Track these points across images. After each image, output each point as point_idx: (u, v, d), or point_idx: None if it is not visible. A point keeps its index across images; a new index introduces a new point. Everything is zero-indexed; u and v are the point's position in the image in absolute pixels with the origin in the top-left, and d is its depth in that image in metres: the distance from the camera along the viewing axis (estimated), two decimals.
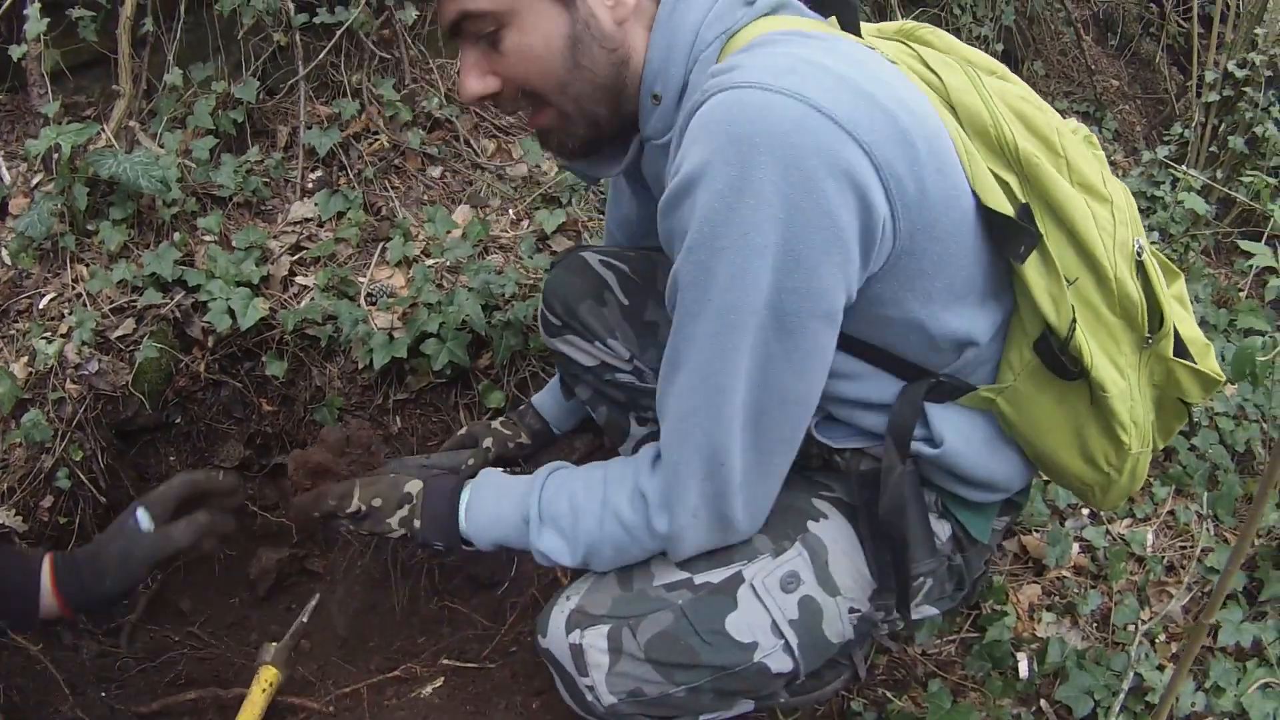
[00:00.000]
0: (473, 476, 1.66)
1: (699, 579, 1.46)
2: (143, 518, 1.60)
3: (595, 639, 1.45)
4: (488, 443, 2.09)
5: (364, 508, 1.61)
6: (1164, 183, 3.53)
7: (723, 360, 1.27)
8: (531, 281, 2.47)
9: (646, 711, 1.47)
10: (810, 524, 1.52)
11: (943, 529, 1.57)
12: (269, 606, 2.34)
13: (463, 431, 2.15)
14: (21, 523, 2.11)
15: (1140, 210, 3.42)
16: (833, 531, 1.53)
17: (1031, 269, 1.32)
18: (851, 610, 1.53)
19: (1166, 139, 3.87)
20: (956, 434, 1.46)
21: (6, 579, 1.54)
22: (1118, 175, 3.86)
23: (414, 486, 1.61)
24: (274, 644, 1.97)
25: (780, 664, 1.47)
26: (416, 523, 1.59)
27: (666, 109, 1.37)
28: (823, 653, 1.52)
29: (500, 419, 2.13)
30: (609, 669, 1.44)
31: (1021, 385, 1.42)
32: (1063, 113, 4.12)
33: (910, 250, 1.28)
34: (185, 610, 2.31)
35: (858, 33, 1.39)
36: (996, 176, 1.31)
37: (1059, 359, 1.35)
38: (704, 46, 1.33)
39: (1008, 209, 1.30)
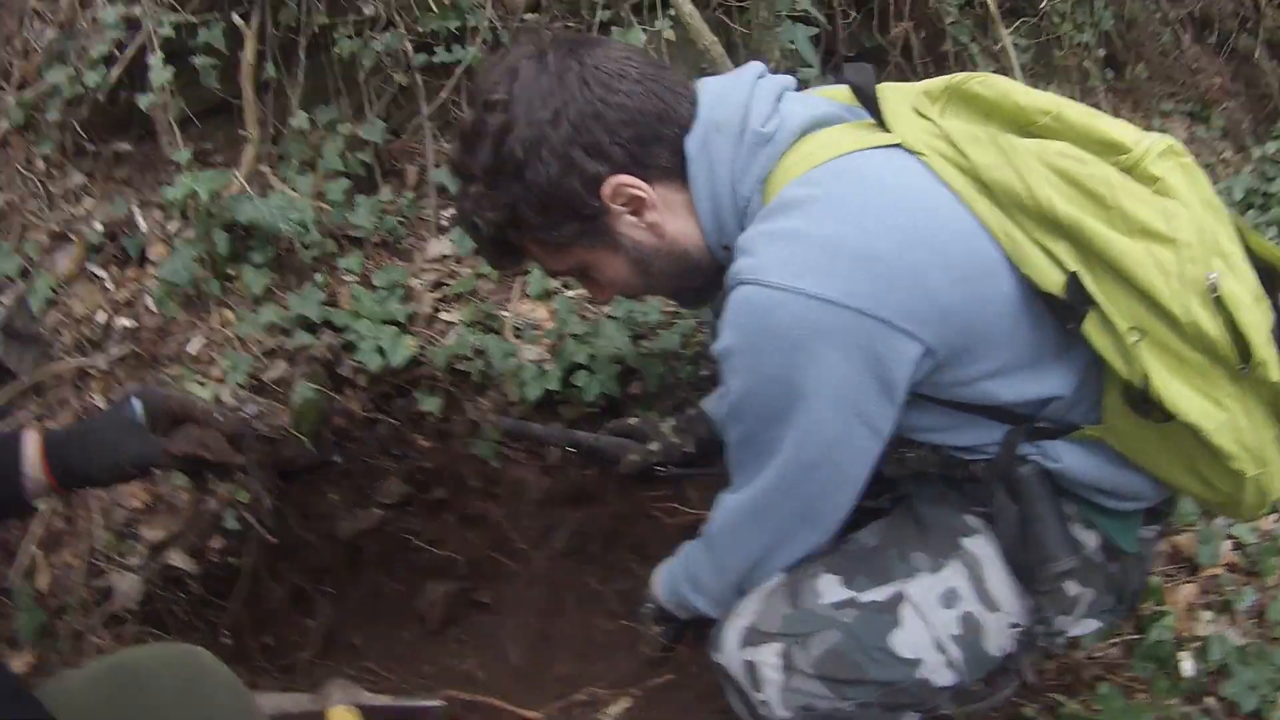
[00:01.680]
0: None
1: (864, 598, 1.55)
2: (136, 406, 1.62)
3: (768, 656, 1.55)
4: (654, 445, 2.14)
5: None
6: (1276, 177, 3.49)
7: (768, 494, 1.54)
8: (674, 308, 2.51)
9: None
10: (964, 540, 1.60)
11: (1090, 538, 1.61)
12: (440, 639, 2.44)
13: (634, 421, 2.18)
14: (194, 565, 2.19)
15: (1255, 206, 3.41)
16: (986, 546, 1.60)
17: (1093, 332, 1.37)
18: (1012, 625, 1.60)
19: (1274, 134, 3.82)
20: (1074, 458, 1.53)
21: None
22: (1229, 174, 3.86)
23: None
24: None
25: (943, 678, 1.56)
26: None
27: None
28: (985, 665, 1.60)
29: (672, 422, 2.18)
30: (782, 685, 1.54)
31: (1121, 425, 1.47)
32: (1168, 115, 4.12)
33: (955, 354, 1.41)
34: (358, 645, 2.39)
35: (875, 108, 1.46)
36: (1043, 246, 1.36)
37: (1145, 407, 1.39)
38: (745, 201, 1.50)
39: (1056, 282, 1.35)
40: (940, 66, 3.48)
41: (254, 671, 2.25)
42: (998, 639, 1.59)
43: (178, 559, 2.18)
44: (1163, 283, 1.32)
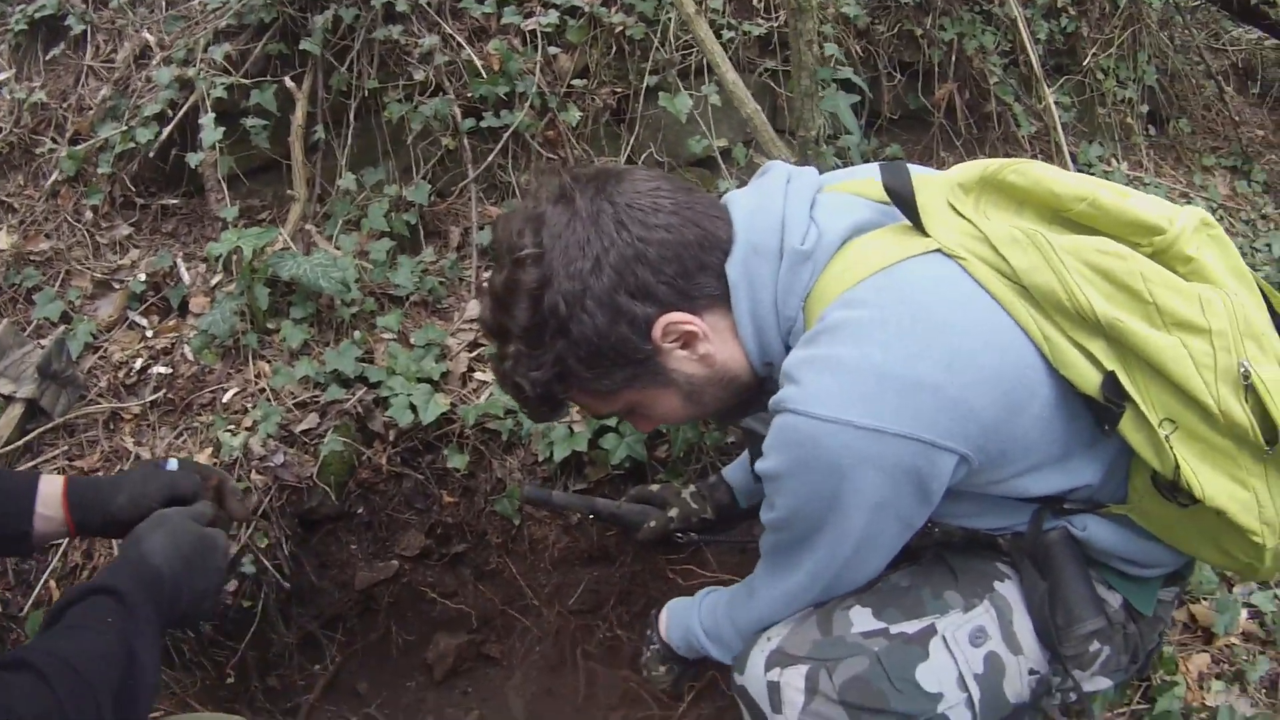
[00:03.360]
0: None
1: (895, 629, 1.56)
2: (172, 462, 1.67)
3: (793, 678, 1.55)
4: (673, 512, 2.19)
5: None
6: None
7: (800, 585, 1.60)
8: None
9: None
10: (996, 584, 1.63)
11: (1113, 598, 1.64)
12: (445, 689, 2.47)
13: (655, 488, 2.23)
14: None
15: None
16: (1015, 592, 1.63)
17: (1127, 428, 1.40)
18: (1031, 671, 1.61)
19: None
20: (1098, 528, 1.57)
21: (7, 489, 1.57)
22: (1269, 228, 3.86)
23: None
24: None
25: (959, 717, 1.55)
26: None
27: (780, 373, 1.51)
28: (998, 711, 1.59)
29: (692, 489, 2.22)
30: (802, 708, 1.54)
31: (1147, 505, 1.51)
32: (1209, 169, 4.13)
33: (992, 460, 1.44)
34: (362, 692, 2.44)
35: (913, 211, 1.46)
36: (1080, 346, 1.38)
37: (1173, 493, 1.42)
38: (790, 322, 1.50)
39: (1093, 382, 1.38)
40: (984, 128, 3.55)
41: (255, 712, 2.29)
42: (1016, 685, 1.60)
43: None
44: (1197, 376, 1.35)
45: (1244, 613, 2.44)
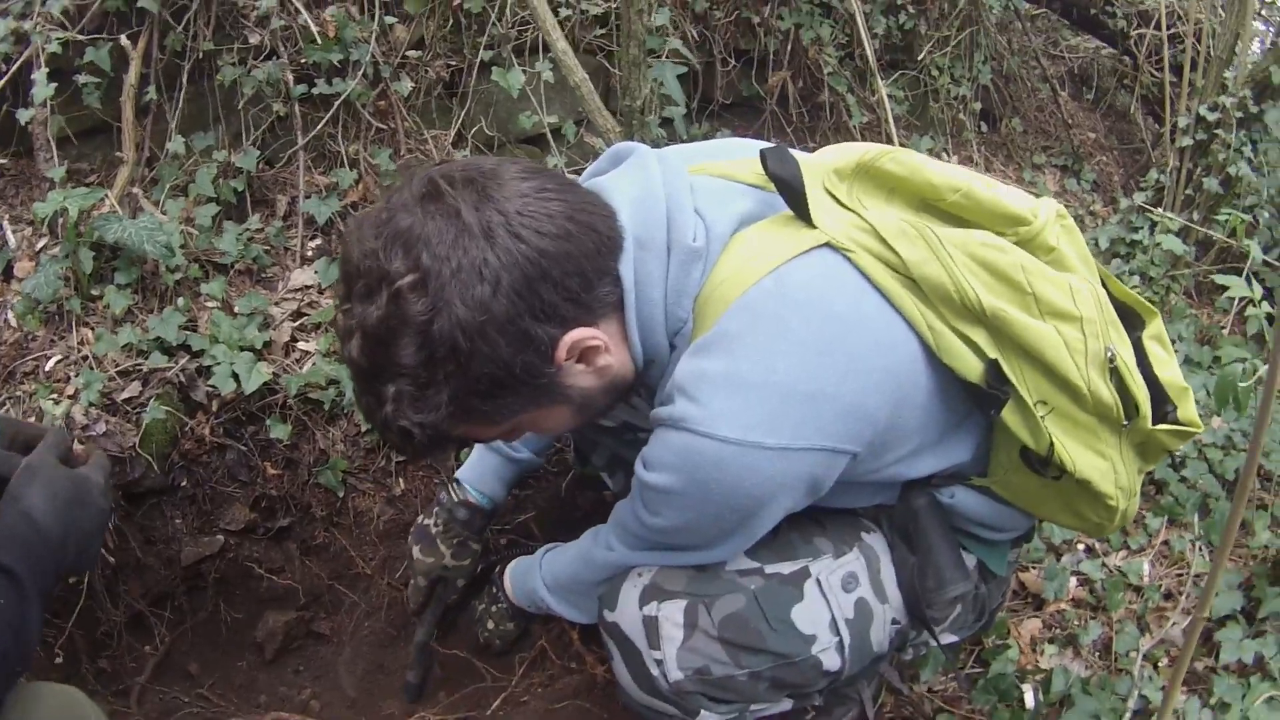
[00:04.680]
0: (496, 625, 2.20)
1: (769, 569, 1.62)
2: None
3: (672, 612, 1.59)
4: (461, 583, 2.22)
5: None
6: (1142, 227, 3.72)
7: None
8: None
9: (706, 692, 1.60)
10: (863, 534, 1.71)
11: (969, 560, 1.75)
12: (277, 668, 2.45)
13: (423, 584, 2.22)
14: None
15: (1119, 255, 3.66)
16: (882, 543, 1.72)
17: (1006, 413, 1.50)
18: (893, 621, 1.70)
19: (1143, 185, 4.07)
20: (965, 496, 1.67)
21: None
22: (1097, 224, 4.11)
23: None
24: None
25: (831, 661, 1.62)
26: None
27: (660, 365, 1.52)
28: (864, 658, 1.67)
29: (452, 547, 2.16)
30: (681, 643, 1.58)
31: (1010, 478, 1.62)
32: (1040, 167, 4.35)
33: (874, 451, 1.50)
34: (194, 672, 2.41)
35: (802, 205, 1.46)
36: (964, 336, 1.45)
37: (1042, 467, 1.54)
38: (679, 324, 1.47)
39: (975, 369, 1.46)
40: (816, 116, 3.67)
41: (88, 695, 2.24)
42: (879, 633, 1.67)
43: None
44: (1070, 362, 1.46)
45: (1072, 580, 2.58)
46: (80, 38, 2.73)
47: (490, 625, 2.17)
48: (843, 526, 1.71)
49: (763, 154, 1.50)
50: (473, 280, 1.27)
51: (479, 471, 2.16)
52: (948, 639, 1.80)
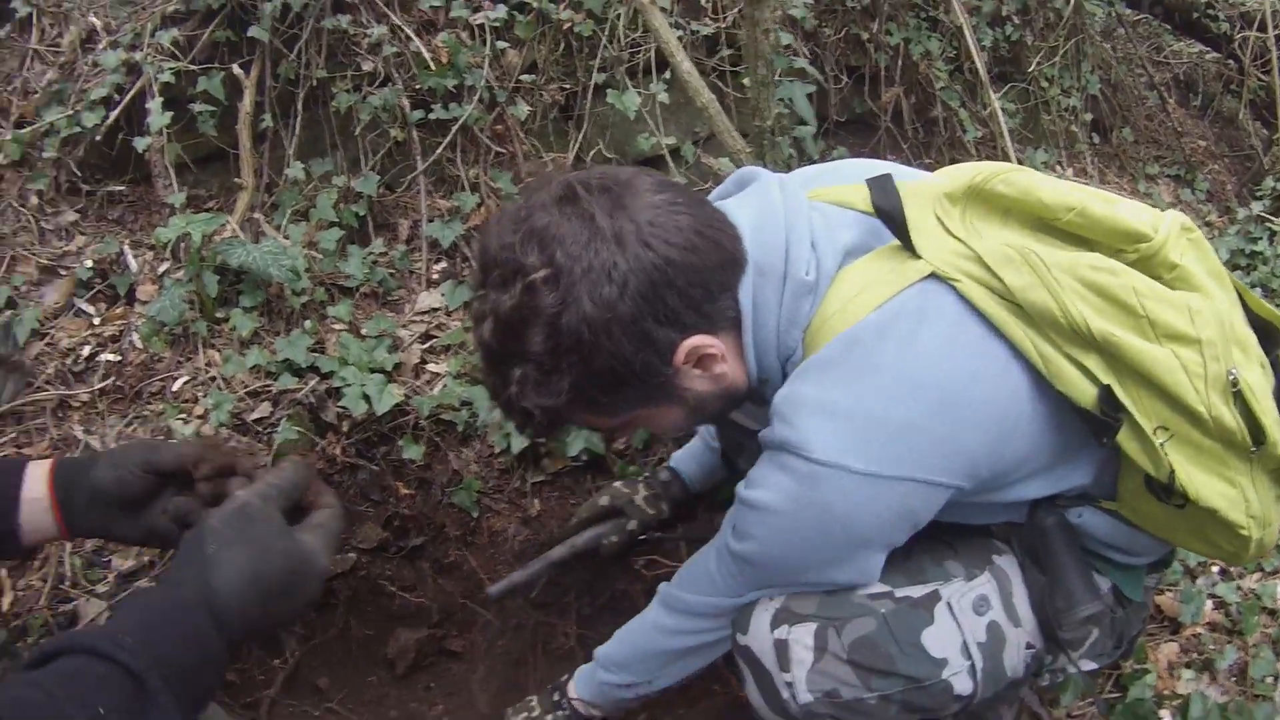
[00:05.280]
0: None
1: (900, 592, 1.62)
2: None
3: (802, 635, 1.60)
4: (632, 524, 2.28)
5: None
6: (1261, 238, 3.66)
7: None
8: None
9: (836, 714, 1.62)
10: (995, 556, 1.71)
11: (1103, 583, 1.74)
12: (408, 684, 2.48)
13: (605, 502, 2.31)
14: None
15: (1240, 267, 3.60)
16: (1013, 567, 1.72)
17: (1123, 437, 1.48)
18: (1028, 645, 1.69)
19: (1259, 194, 3.99)
20: (1091, 516, 1.67)
21: None
22: (1213, 235, 4.05)
23: None
24: None
25: (963, 685, 1.62)
26: None
27: (773, 385, 1.57)
28: (997, 683, 1.66)
29: (644, 492, 2.29)
30: (811, 665, 1.59)
31: (1138, 504, 1.61)
32: (1153, 178, 4.29)
33: (983, 484, 1.52)
34: (323, 687, 2.45)
35: (905, 234, 1.49)
36: (1076, 362, 1.43)
37: (1166, 495, 1.51)
38: (789, 351, 1.53)
39: (1089, 395, 1.45)
40: (930, 132, 3.67)
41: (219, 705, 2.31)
42: (1014, 657, 1.66)
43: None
44: (1189, 385, 1.42)
45: (1208, 603, 2.55)
46: (192, 67, 2.83)
47: None
48: (974, 548, 1.71)
49: (869, 184, 1.55)
50: (602, 281, 1.36)
51: (683, 452, 2.34)
52: (1087, 666, 1.79)
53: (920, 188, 1.55)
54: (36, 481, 1.33)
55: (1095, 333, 1.41)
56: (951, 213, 1.51)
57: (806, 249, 1.50)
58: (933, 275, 1.45)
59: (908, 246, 1.49)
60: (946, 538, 1.69)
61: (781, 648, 1.61)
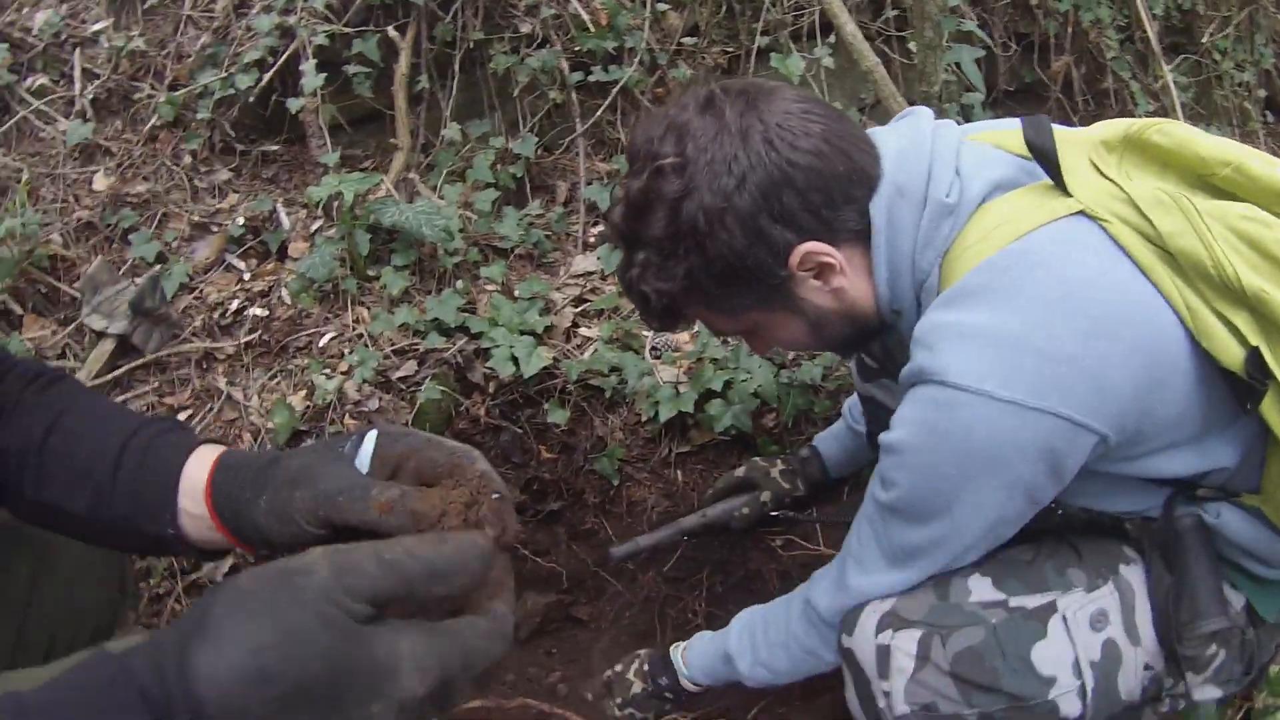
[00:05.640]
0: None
1: (1014, 601, 1.53)
2: (367, 442, 0.98)
3: (905, 642, 1.52)
4: (765, 496, 2.22)
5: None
6: None
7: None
8: None
9: None
10: (1121, 566, 1.59)
11: (1236, 599, 1.60)
12: (529, 649, 2.42)
13: (740, 474, 2.26)
14: None
15: None
16: (1140, 580, 1.59)
17: (1268, 407, 1.36)
18: (1146, 667, 1.57)
19: None
20: (1231, 516, 1.52)
21: (146, 474, 1.07)
22: None
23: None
24: None
25: (1070, 707, 1.50)
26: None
27: (908, 320, 1.53)
28: (1110, 705, 1.54)
29: (781, 466, 2.24)
30: (911, 674, 1.51)
31: None
32: None
33: (1128, 438, 1.40)
34: None
35: (1056, 171, 1.43)
36: (1224, 318, 1.33)
37: None
38: (924, 275, 1.49)
39: (1236, 356, 1.33)
40: (1100, 104, 3.52)
41: None
42: (1130, 679, 1.56)
43: None
44: None
45: None
46: (347, 30, 2.83)
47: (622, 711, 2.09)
48: (1100, 556, 1.60)
49: (1023, 121, 1.51)
50: (721, 172, 1.40)
51: (826, 434, 2.32)
52: (1210, 692, 1.63)
53: (1076, 135, 1.51)
54: (194, 490, 1.05)
55: (1246, 287, 1.30)
56: (1108, 159, 1.46)
57: (950, 173, 1.48)
58: (1082, 213, 1.39)
59: (1059, 184, 1.43)
60: (1074, 540, 1.61)
61: (883, 654, 1.54)
